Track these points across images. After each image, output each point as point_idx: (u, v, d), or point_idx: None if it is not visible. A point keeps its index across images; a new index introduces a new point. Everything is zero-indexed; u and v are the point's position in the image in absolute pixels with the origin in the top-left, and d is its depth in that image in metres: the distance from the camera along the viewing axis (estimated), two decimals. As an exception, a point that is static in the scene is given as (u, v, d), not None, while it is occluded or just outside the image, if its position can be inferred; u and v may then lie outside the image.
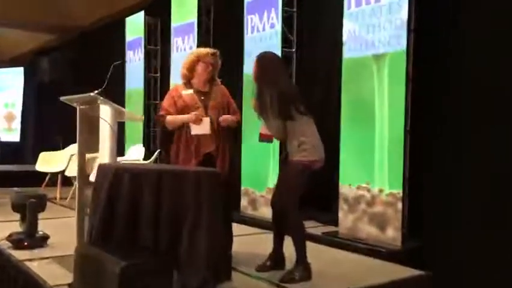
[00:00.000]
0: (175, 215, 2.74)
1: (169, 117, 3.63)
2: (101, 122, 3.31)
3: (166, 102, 3.70)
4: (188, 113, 3.59)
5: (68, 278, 3.25)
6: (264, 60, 3.58)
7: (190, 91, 3.68)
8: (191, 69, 3.67)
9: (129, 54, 8.82)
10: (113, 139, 3.29)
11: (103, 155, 3.28)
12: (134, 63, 8.56)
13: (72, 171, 6.74)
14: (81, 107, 3.50)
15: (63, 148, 8.32)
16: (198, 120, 3.53)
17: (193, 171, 2.89)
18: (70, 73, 11.31)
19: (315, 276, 3.57)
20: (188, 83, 3.72)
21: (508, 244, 3.73)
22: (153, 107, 8.45)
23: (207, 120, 3.57)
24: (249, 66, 5.92)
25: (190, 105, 3.62)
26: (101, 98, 3.28)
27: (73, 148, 7.59)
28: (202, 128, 3.57)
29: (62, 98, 3.58)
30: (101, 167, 2.97)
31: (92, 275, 2.55)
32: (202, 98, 3.66)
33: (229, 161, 3.66)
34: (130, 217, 2.75)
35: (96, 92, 3.24)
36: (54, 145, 9.41)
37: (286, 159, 3.59)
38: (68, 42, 11.60)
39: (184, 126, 3.58)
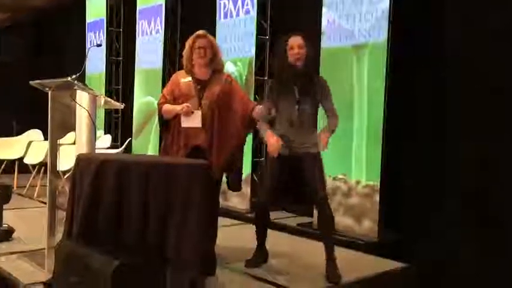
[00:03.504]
0: (163, 210, 2.58)
1: (165, 107, 3.46)
2: (78, 109, 3.09)
3: (166, 89, 3.55)
4: (183, 102, 3.41)
5: (41, 275, 3.08)
6: (310, 42, 3.39)
7: (188, 79, 3.49)
8: (189, 58, 3.49)
9: (90, 36, 8.46)
10: (91, 128, 3.08)
11: (81, 144, 3.07)
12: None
13: (31, 159, 6.41)
14: (54, 92, 3.25)
15: (17, 134, 7.91)
16: (188, 113, 3.35)
17: (185, 164, 2.75)
18: (24, 55, 10.76)
19: (301, 270, 3.54)
20: (189, 72, 3.53)
21: (486, 236, 3.80)
22: (115, 93, 8.17)
23: (198, 113, 3.38)
24: (224, 52, 5.77)
25: (185, 94, 3.44)
26: (79, 83, 3.06)
27: (31, 134, 7.25)
28: (193, 121, 3.38)
29: (32, 82, 3.32)
30: (82, 158, 2.76)
31: (77, 274, 2.38)
32: (199, 87, 3.46)
33: (227, 160, 3.44)
34: (115, 212, 2.57)
35: (73, 76, 3.01)
36: (7, 130, 8.93)
37: (301, 150, 3.36)
38: (22, 22, 11.01)
39: (178, 117, 3.40)
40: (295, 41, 3.32)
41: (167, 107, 3.45)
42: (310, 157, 3.35)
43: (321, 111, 3.46)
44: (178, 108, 3.39)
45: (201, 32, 3.53)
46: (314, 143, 3.35)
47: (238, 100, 3.51)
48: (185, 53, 3.52)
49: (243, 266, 3.56)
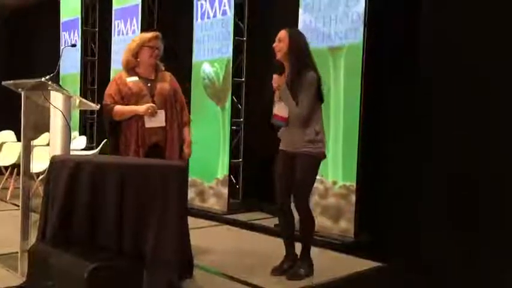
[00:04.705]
0: (140, 211, 2.57)
1: (118, 108, 3.42)
2: (52, 110, 3.04)
3: (110, 89, 3.49)
4: (134, 102, 3.42)
5: (14, 279, 3.02)
6: (298, 35, 3.36)
7: (135, 78, 3.50)
8: (136, 55, 3.49)
9: (64, 36, 8.34)
10: (66, 129, 3.04)
11: (55, 146, 3.02)
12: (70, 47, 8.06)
13: (4, 160, 6.28)
14: (27, 93, 3.20)
15: (-10, 135, 7.74)
16: (153, 113, 3.37)
17: (160, 165, 2.73)
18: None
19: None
20: (132, 70, 3.52)
21: (462, 237, 3.86)
22: (90, 93, 8.06)
23: (162, 113, 3.43)
24: (201, 54, 5.77)
25: (135, 93, 3.44)
26: (53, 83, 3.01)
27: (4, 135, 7.11)
28: (157, 121, 3.42)
29: (5, 83, 3.26)
30: (56, 160, 2.73)
31: (51, 277, 2.34)
32: (149, 85, 3.49)
33: (178, 151, 3.54)
34: (90, 214, 2.56)
35: (47, 76, 2.97)
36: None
37: (294, 150, 3.33)
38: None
39: (134, 116, 3.39)
40: (278, 35, 3.33)
41: (121, 108, 3.42)
42: (300, 157, 3.30)
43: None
44: (140, 109, 3.38)
45: (158, 33, 3.59)
46: (307, 141, 3.28)
47: (179, 99, 3.62)
48: (132, 48, 3.49)
49: (220, 267, 3.55)
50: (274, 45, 3.32)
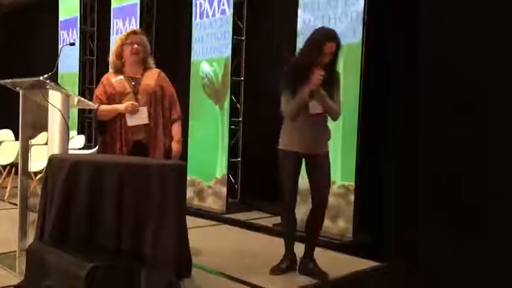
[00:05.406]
0: (138, 211, 2.56)
1: (101, 108, 3.42)
2: (50, 109, 3.03)
3: (97, 90, 3.52)
4: (118, 101, 3.41)
5: (12, 278, 3.01)
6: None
7: (120, 77, 3.49)
8: (119, 55, 3.49)
9: (62, 35, 8.32)
10: (64, 128, 3.03)
11: (53, 145, 3.01)
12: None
13: (2, 159, 6.27)
14: (25, 92, 3.19)
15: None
16: (133, 110, 3.36)
17: (159, 164, 2.72)
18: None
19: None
20: (119, 71, 3.52)
21: (460, 237, 3.86)
22: (88, 92, 8.05)
23: (143, 110, 3.40)
24: (200, 53, 5.76)
25: (119, 92, 3.43)
26: (51, 82, 3.00)
27: (2, 134, 7.10)
28: (139, 118, 3.40)
29: (3, 81, 3.25)
30: (54, 159, 2.72)
31: (49, 277, 2.33)
32: (133, 83, 3.48)
33: (164, 150, 3.49)
34: (88, 213, 2.55)
35: (46, 75, 2.95)
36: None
37: (314, 151, 3.36)
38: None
39: (118, 115, 3.38)
40: (330, 49, 3.23)
41: (104, 107, 3.42)
42: (321, 158, 3.36)
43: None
44: (120, 107, 3.38)
45: (136, 28, 3.58)
46: (326, 142, 3.39)
47: (168, 96, 3.57)
48: (115, 49, 3.51)
49: (219, 266, 3.54)
50: (328, 59, 3.25)
